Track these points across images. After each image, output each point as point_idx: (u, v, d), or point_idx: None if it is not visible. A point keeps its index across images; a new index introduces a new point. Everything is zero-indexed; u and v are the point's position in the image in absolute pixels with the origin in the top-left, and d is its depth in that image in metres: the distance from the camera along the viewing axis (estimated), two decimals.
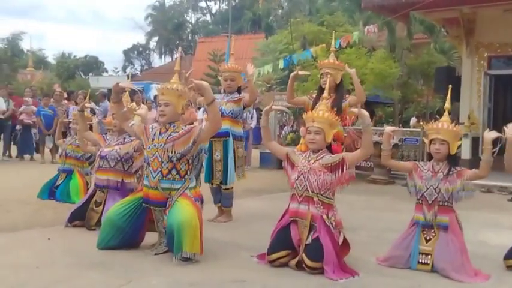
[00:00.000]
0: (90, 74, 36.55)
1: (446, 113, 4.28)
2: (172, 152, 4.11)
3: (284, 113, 14.77)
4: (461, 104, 13.30)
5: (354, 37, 10.69)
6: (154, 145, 4.20)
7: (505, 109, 14.28)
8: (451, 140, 4.07)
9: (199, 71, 28.62)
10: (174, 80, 4.35)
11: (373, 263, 4.08)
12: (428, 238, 4.04)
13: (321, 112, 4.07)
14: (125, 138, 5.11)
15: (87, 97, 7.14)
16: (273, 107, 4.38)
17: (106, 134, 5.70)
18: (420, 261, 3.97)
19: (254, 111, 13.17)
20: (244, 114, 11.68)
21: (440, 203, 4.02)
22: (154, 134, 4.25)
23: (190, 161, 4.20)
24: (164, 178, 4.12)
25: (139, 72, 45.26)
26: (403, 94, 17.09)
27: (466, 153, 11.95)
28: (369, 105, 17.16)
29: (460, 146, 4.17)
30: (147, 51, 51.53)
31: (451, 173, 4.03)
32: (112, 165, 4.98)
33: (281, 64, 11.62)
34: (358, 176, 10.37)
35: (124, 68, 48.39)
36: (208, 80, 19.89)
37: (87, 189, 5.93)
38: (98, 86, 22.56)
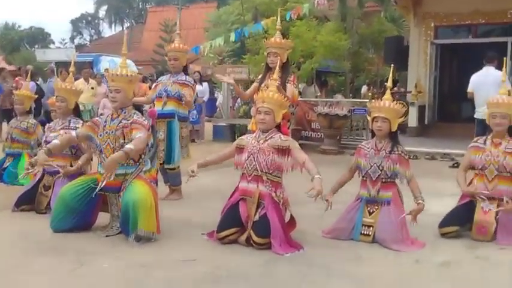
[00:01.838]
0: (36, 46, 35.26)
1: (388, 91, 4.44)
2: (123, 139, 4.13)
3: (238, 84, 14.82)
4: (409, 72, 13.70)
5: (305, 9, 10.77)
6: (106, 132, 4.21)
7: (451, 77, 14.77)
8: (392, 118, 4.25)
9: (151, 42, 28.14)
10: (122, 64, 4.32)
11: (318, 236, 4.28)
12: (371, 211, 4.25)
13: (271, 93, 4.17)
14: (70, 122, 5.04)
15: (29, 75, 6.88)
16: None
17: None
18: (363, 232, 4.19)
19: (206, 84, 13.16)
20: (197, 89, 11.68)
21: (383, 180, 4.22)
22: (106, 121, 4.26)
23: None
24: (118, 165, 4.14)
25: (88, 43, 43.95)
26: (354, 63, 17.38)
27: (413, 121, 12.42)
28: (320, 75, 17.41)
29: (400, 124, 4.35)
30: (96, 21, 50.01)
31: (393, 151, 4.22)
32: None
33: (233, 37, 11.62)
34: (309, 147, 10.64)
35: (72, 39, 46.92)
36: (159, 51, 19.62)
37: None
38: (45, 59, 21.91)
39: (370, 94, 14.43)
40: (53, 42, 42.47)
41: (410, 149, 9.85)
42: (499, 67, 9.10)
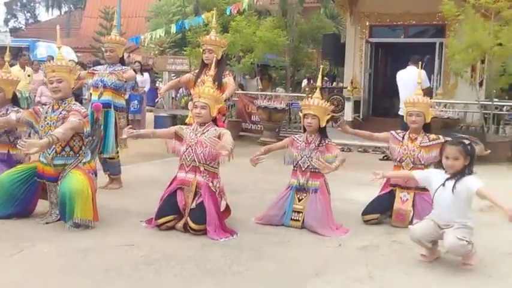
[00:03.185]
0: None
1: (318, 90, 4.77)
2: None
3: (179, 75, 14.85)
4: (345, 69, 14.24)
5: (244, 4, 10.99)
6: (47, 123, 4.29)
7: (384, 74, 15.47)
8: (321, 115, 4.58)
9: (90, 28, 27.45)
10: (59, 56, 4.43)
11: (251, 223, 4.56)
12: (300, 198, 4.57)
13: (207, 89, 4.40)
14: (7, 110, 5.03)
15: None
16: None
17: None
18: (292, 218, 4.51)
19: (147, 74, 13.15)
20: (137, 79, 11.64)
21: (312, 170, 4.55)
22: (47, 112, 4.34)
23: (83, 137, 4.35)
24: (58, 155, 4.26)
25: (24, 27, 42.21)
26: (294, 58, 17.84)
27: (348, 115, 12.93)
28: (265, 69, 17.75)
29: (328, 120, 4.68)
30: (32, 4, 48.02)
31: (321, 144, 4.55)
32: None
33: (173, 29, 11.71)
34: (248, 139, 10.97)
35: (6, 22, 44.84)
36: (99, 38, 19.25)
37: None
38: None
39: (307, 89, 14.89)
40: None
41: (345, 142, 10.36)
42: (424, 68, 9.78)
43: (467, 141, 3.66)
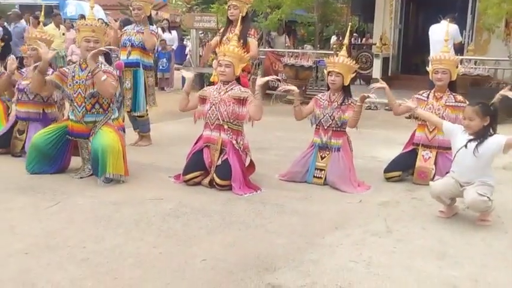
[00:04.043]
0: None
1: (344, 48, 4.78)
2: (93, 88, 4.39)
3: (207, 33, 14.80)
4: (375, 25, 13.99)
5: None
6: (76, 82, 4.46)
7: (415, 30, 15.13)
8: (345, 73, 4.60)
9: None
10: (91, 16, 4.56)
11: (275, 179, 4.71)
12: (323, 156, 4.67)
13: (232, 47, 4.47)
14: None
15: None
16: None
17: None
18: (315, 175, 4.63)
19: (175, 32, 13.19)
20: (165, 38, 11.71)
21: (334, 128, 4.62)
22: (74, 71, 4.49)
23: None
24: (88, 113, 4.46)
25: None
26: (323, 13, 17.49)
27: (376, 73, 12.79)
28: (290, 25, 17.53)
29: (352, 79, 4.71)
30: None
31: (344, 102, 4.60)
32: (31, 98, 5.13)
33: None
34: (275, 97, 11.00)
35: None
36: (124, 1, 19.26)
37: (8, 114, 6.00)
38: (8, 1, 21.18)
39: (335, 46, 14.70)
40: None
41: (372, 100, 10.27)
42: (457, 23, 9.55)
43: (489, 102, 3.66)
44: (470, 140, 3.63)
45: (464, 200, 3.65)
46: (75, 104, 4.48)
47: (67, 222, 3.51)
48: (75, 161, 4.75)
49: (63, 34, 11.28)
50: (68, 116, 4.63)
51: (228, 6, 5.60)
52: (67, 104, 4.85)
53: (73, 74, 4.51)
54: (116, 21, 6.29)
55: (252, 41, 5.49)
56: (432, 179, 4.62)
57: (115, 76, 4.49)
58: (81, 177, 4.53)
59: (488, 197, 3.55)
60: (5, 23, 12.33)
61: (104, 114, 4.52)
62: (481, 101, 3.68)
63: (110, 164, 4.29)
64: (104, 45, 4.56)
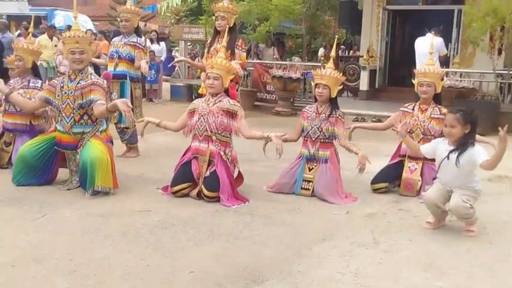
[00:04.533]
0: None
1: (331, 60, 4.83)
2: (82, 99, 4.39)
3: (195, 44, 14.87)
4: (362, 37, 14.14)
5: None
6: (65, 92, 4.45)
7: (401, 43, 15.31)
8: (332, 85, 4.65)
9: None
10: (76, 27, 4.56)
11: (263, 191, 4.73)
12: (311, 168, 4.70)
13: (220, 59, 4.50)
14: (29, 81, 5.19)
15: None
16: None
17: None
18: (303, 186, 4.66)
19: (163, 43, 13.23)
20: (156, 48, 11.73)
21: (322, 140, 4.66)
22: (63, 82, 4.49)
23: None
24: (77, 124, 4.45)
25: None
26: (311, 26, 17.70)
27: (364, 85, 12.95)
28: (279, 37, 17.67)
29: (339, 91, 4.76)
30: None
31: (332, 114, 4.64)
32: (18, 109, 5.07)
33: None
34: (263, 109, 11.07)
35: None
36: (115, 7, 19.28)
37: None
38: None
39: (322, 58, 14.82)
40: None
41: (359, 112, 10.45)
42: (442, 36, 9.71)
43: (469, 110, 3.71)
44: (451, 151, 3.68)
45: (449, 203, 3.71)
46: (63, 114, 4.48)
47: (54, 234, 3.49)
48: (63, 173, 4.73)
49: (55, 46, 11.28)
50: (56, 126, 4.61)
51: (216, 17, 5.65)
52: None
53: (62, 85, 4.50)
54: (105, 32, 6.32)
55: (240, 53, 5.52)
56: (419, 191, 4.69)
57: (105, 89, 4.49)
58: (68, 189, 4.50)
59: (470, 204, 3.61)
60: None
61: (93, 125, 4.51)
62: (461, 108, 3.74)
63: (98, 177, 4.28)
64: (91, 54, 4.56)
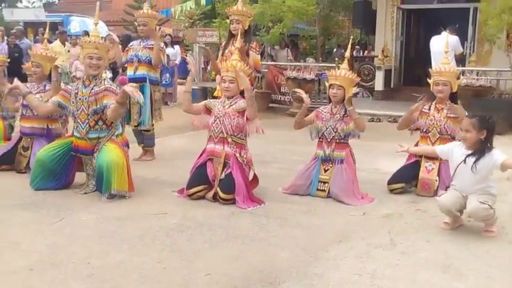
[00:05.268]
0: (3, 5, 34.13)
1: (345, 61, 4.81)
2: (96, 105, 4.43)
3: (210, 47, 14.88)
4: (377, 37, 14.05)
5: None
6: (79, 98, 4.49)
7: (416, 42, 15.20)
8: (346, 86, 4.63)
9: (121, 2, 27.67)
10: (95, 33, 4.59)
11: (279, 192, 4.72)
12: (326, 169, 4.68)
13: (234, 62, 4.50)
14: (45, 86, 5.26)
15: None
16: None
17: None
18: (319, 188, 4.63)
19: (178, 47, 13.28)
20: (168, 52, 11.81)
21: (337, 141, 4.64)
22: (77, 88, 4.53)
23: None
24: (92, 129, 4.48)
25: (57, 1, 42.76)
26: (324, 26, 17.61)
27: (379, 85, 12.86)
28: (292, 38, 17.63)
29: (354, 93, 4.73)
30: None
31: (346, 115, 4.62)
32: (35, 113, 5.14)
33: (203, 1, 11.74)
34: (277, 110, 11.06)
35: None
36: (130, 12, 19.44)
37: (9, 133, 6.03)
38: (13, 19, 21.44)
39: (337, 58, 14.75)
40: (21, 1, 41.26)
41: (375, 112, 10.37)
42: (458, 35, 9.61)
43: (486, 116, 3.66)
44: (468, 155, 3.64)
45: (466, 210, 3.65)
46: (78, 120, 4.52)
47: (71, 238, 3.52)
48: (79, 177, 4.77)
49: (68, 51, 11.40)
50: (73, 132, 4.66)
51: (230, 21, 5.65)
52: (70, 120, 4.88)
53: (76, 91, 4.54)
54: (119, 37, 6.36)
55: (254, 56, 5.51)
56: (436, 191, 4.64)
57: (117, 94, 4.51)
58: (85, 193, 4.54)
59: (489, 205, 3.56)
60: (16, 41, 12.39)
61: (108, 130, 4.54)
62: (478, 114, 3.70)
63: (114, 181, 4.31)
64: (107, 62, 4.60)
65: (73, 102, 4.53)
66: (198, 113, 4.59)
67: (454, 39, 9.25)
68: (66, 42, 11.65)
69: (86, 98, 4.47)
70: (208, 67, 14.17)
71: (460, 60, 10.60)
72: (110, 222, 3.82)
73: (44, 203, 4.25)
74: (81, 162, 4.68)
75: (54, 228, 3.69)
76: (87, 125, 4.47)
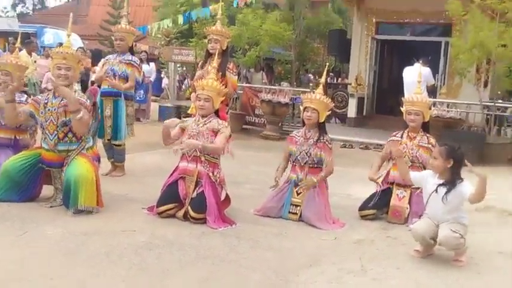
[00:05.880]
0: None
1: (320, 86, 4.85)
2: (66, 117, 4.33)
3: (183, 66, 14.89)
4: (351, 65, 14.29)
5: None
6: (48, 109, 4.37)
7: (390, 72, 15.50)
8: (321, 110, 4.66)
9: (98, 16, 27.55)
10: (68, 44, 4.52)
11: (250, 214, 4.67)
12: (299, 192, 4.66)
13: (210, 81, 4.48)
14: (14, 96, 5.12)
15: None
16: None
17: None
18: (290, 211, 4.61)
19: (153, 64, 13.23)
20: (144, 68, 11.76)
21: (311, 165, 4.64)
22: (47, 98, 4.42)
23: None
24: (61, 141, 4.36)
25: (31, 12, 42.28)
26: (300, 52, 17.84)
27: (352, 112, 13.04)
28: (268, 62, 17.79)
29: (327, 117, 4.77)
30: None
31: (320, 140, 4.63)
32: (3, 123, 4.99)
33: (181, 20, 11.76)
34: (251, 132, 11.08)
35: (14, 7, 44.89)
36: (106, 27, 19.36)
37: None
38: None
39: (311, 85, 14.93)
40: None
41: (347, 138, 10.48)
42: (430, 67, 9.86)
43: (455, 146, 3.73)
44: (440, 185, 3.69)
45: (437, 238, 3.68)
46: (47, 132, 4.39)
47: (35, 252, 3.38)
48: (47, 190, 4.62)
49: (35, 62, 11.20)
50: (41, 143, 4.53)
51: (209, 40, 5.65)
52: (39, 131, 4.75)
53: (46, 101, 4.42)
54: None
55: (231, 77, 5.50)
56: (406, 219, 4.67)
57: (88, 107, 4.41)
58: (51, 207, 4.40)
59: (460, 234, 3.59)
60: None
61: (78, 143, 4.43)
62: (448, 143, 3.77)
63: (82, 196, 4.19)
64: (78, 73, 4.52)
65: (42, 113, 4.41)
66: (177, 138, 4.53)
67: (427, 70, 9.48)
68: (33, 53, 11.43)
69: (55, 109, 4.36)
70: (183, 86, 14.18)
71: (431, 91, 10.85)
72: (76, 237, 3.69)
73: (8, 214, 4.09)
74: (49, 175, 4.54)
75: (17, 242, 3.55)
76: (56, 137, 4.35)
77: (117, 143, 5.84)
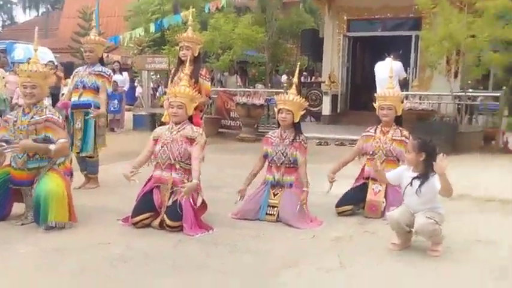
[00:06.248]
0: None
1: (293, 86, 4.84)
2: (36, 135, 4.22)
3: (157, 74, 14.78)
4: (324, 64, 14.40)
5: (223, 1, 11.03)
6: (18, 127, 4.26)
7: (363, 68, 15.63)
8: (295, 110, 4.65)
9: (69, 28, 27.23)
10: (35, 59, 4.39)
11: (228, 218, 4.63)
12: (275, 193, 4.65)
13: (183, 88, 4.44)
14: None
15: None
16: None
17: None
18: (268, 212, 4.59)
19: (126, 74, 13.13)
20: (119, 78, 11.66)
21: (287, 165, 4.63)
22: (16, 116, 4.31)
23: None
24: (31, 159, 4.25)
25: (0, 28, 41.65)
26: (273, 53, 17.91)
27: (326, 110, 13.12)
28: (242, 65, 17.79)
29: (302, 116, 4.77)
30: (9, 5, 47.40)
31: (295, 139, 4.62)
32: None
33: (152, 28, 11.70)
34: (227, 135, 11.05)
35: None
36: (77, 39, 19.12)
37: None
38: None
39: (285, 84, 14.96)
40: None
41: (322, 136, 10.51)
42: (401, 61, 9.96)
43: (427, 139, 3.76)
44: (414, 178, 3.73)
45: (414, 227, 3.69)
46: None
47: (7, 271, 3.30)
48: (18, 207, 4.51)
49: (3, 78, 11.00)
50: (10, 162, 4.41)
51: (180, 47, 5.58)
52: None
53: (15, 119, 4.32)
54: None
55: (204, 83, 5.42)
56: (383, 213, 4.69)
57: (60, 124, 4.32)
58: (22, 224, 4.29)
59: (435, 220, 3.63)
60: None
61: (48, 159, 4.31)
62: (421, 137, 3.80)
63: (52, 212, 4.08)
64: (45, 89, 4.41)
65: (11, 131, 4.31)
66: (151, 147, 4.45)
67: (398, 64, 9.57)
68: (1, 69, 11.23)
69: (25, 127, 4.25)
70: (157, 93, 14.08)
71: (404, 85, 10.97)
72: (49, 254, 3.61)
73: None
74: (19, 193, 4.43)
75: None
76: (25, 155, 4.24)
77: (87, 154, 5.75)
